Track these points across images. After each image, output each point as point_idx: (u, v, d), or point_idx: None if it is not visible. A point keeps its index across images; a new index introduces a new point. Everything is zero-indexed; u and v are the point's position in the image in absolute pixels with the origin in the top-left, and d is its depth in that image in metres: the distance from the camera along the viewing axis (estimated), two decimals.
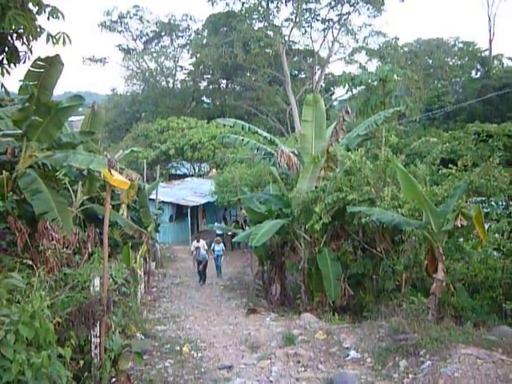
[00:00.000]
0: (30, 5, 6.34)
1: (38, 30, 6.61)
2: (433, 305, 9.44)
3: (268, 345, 9.91)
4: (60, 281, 6.07)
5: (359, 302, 13.13)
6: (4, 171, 9.19)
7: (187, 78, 54.77)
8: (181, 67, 55.59)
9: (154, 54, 53.55)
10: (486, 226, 10.21)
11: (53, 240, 6.82)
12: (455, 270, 10.25)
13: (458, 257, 10.12)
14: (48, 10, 6.53)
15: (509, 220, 10.07)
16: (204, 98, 56.41)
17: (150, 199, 22.51)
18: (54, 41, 6.98)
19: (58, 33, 7.21)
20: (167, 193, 28.53)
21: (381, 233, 13.04)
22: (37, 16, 6.61)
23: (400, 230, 11.91)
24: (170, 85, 55.29)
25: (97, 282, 6.03)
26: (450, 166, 11.88)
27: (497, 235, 9.92)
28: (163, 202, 26.50)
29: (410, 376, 6.94)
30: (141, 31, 53.81)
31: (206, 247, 20.25)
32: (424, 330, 8.04)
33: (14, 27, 5.72)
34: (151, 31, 54.03)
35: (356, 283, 13.63)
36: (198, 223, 29.76)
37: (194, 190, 30.43)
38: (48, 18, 6.98)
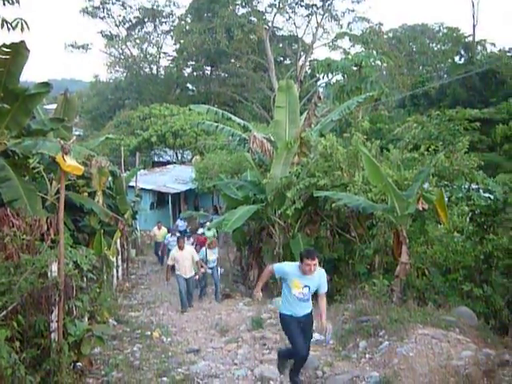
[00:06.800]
0: None
1: None
2: (398, 287, 9.60)
3: (237, 329, 10.09)
4: (18, 267, 6.09)
5: (334, 287, 13.27)
6: None
7: (171, 65, 54.20)
8: (164, 53, 54.95)
9: (137, 41, 52.81)
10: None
11: (13, 227, 6.81)
12: (425, 253, 10.39)
13: (423, 240, 10.25)
14: None
15: (468, 203, 10.24)
16: (189, 85, 55.94)
17: (130, 186, 22.48)
18: (11, 27, 6.98)
19: (16, 19, 7.17)
20: (148, 180, 28.43)
21: (355, 218, 13.18)
22: None
23: (372, 215, 12.03)
24: (154, 72, 54.64)
25: (54, 267, 6.07)
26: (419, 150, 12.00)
27: (457, 218, 10.06)
28: (144, 189, 26.38)
29: (368, 356, 7.08)
30: (123, 17, 52.94)
31: (196, 258, 12.92)
32: (386, 311, 8.20)
33: None
34: (134, 17, 53.17)
35: (332, 268, 13.75)
36: (180, 210, 29.69)
37: (176, 177, 30.31)
38: (4, 4, 6.96)
